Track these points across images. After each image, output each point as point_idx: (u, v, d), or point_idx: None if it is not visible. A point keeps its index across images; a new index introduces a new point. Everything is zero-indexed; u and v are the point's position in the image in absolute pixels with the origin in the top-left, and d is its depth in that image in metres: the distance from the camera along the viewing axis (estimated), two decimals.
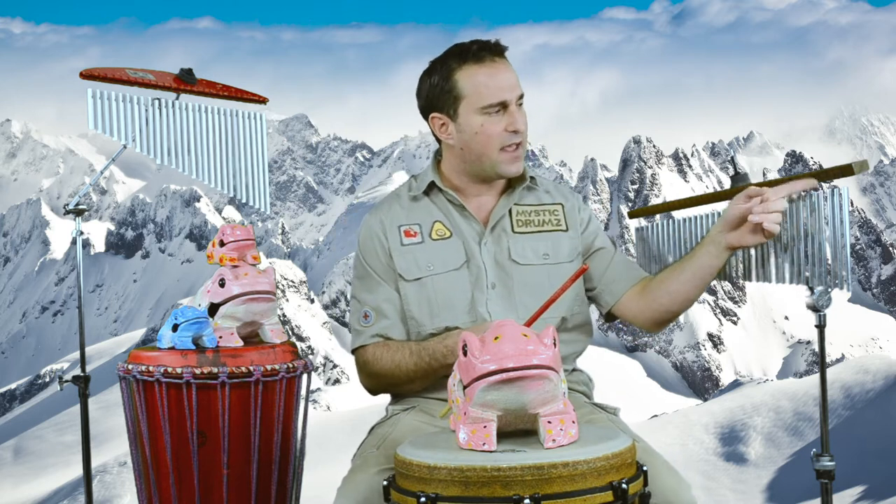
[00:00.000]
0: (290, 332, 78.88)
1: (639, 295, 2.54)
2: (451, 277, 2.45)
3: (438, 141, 2.56)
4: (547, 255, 2.51)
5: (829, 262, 2.36)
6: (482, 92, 2.40)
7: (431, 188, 2.55)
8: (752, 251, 2.51)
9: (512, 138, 2.43)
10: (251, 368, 2.65)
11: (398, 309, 2.51)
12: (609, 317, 2.64)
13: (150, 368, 2.62)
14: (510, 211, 2.53)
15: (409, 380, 2.47)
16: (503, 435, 1.86)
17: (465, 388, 1.83)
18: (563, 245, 2.54)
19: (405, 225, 2.52)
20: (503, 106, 2.41)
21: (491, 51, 2.42)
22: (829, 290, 2.43)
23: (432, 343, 2.42)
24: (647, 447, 2.22)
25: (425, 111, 2.52)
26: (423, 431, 2.34)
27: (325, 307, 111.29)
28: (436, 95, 2.45)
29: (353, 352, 2.57)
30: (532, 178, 2.57)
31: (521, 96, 2.45)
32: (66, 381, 3.37)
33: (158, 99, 3.36)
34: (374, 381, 2.54)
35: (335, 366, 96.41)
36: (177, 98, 3.40)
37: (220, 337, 2.72)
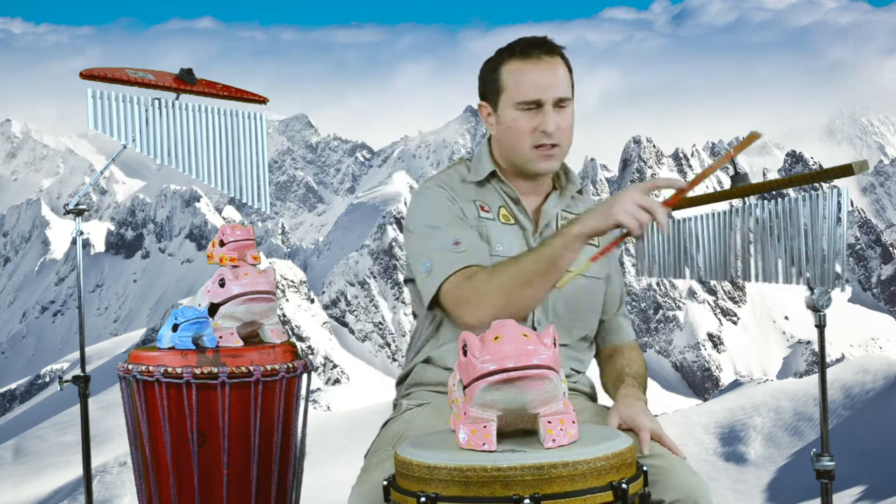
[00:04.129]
0: (290, 332, 78.77)
1: (608, 358, 2.60)
2: None
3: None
4: None
5: (829, 262, 2.36)
6: (519, 87, 2.39)
7: (491, 177, 2.51)
8: (753, 251, 2.51)
9: (542, 138, 2.40)
10: (251, 368, 2.65)
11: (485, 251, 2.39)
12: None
13: (150, 368, 2.62)
14: (557, 214, 2.52)
15: (528, 281, 2.24)
16: (503, 435, 1.86)
17: (465, 388, 1.83)
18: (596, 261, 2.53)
19: (479, 200, 2.47)
20: (538, 104, 2.39)
21: (540, 47, 2.40)
22: (829, 290, 2.43)
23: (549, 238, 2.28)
24: (663, 449, 2.19)
25: (481, 98, 2.52)
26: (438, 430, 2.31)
27: (325, 307, 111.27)
28: (485, 85, 2.48)
29: (444, 282, 2.32)
30: (580, 190, 2.58)
31: (563, 99, 2.41)
32: (66, 381, 3.37)
33: (158, 99, 3.36)
34: (487, 298, 2.26)
35: (335, 366, 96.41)
36: (177, 98, 3.39)
37: (220, 337, 2.72)
